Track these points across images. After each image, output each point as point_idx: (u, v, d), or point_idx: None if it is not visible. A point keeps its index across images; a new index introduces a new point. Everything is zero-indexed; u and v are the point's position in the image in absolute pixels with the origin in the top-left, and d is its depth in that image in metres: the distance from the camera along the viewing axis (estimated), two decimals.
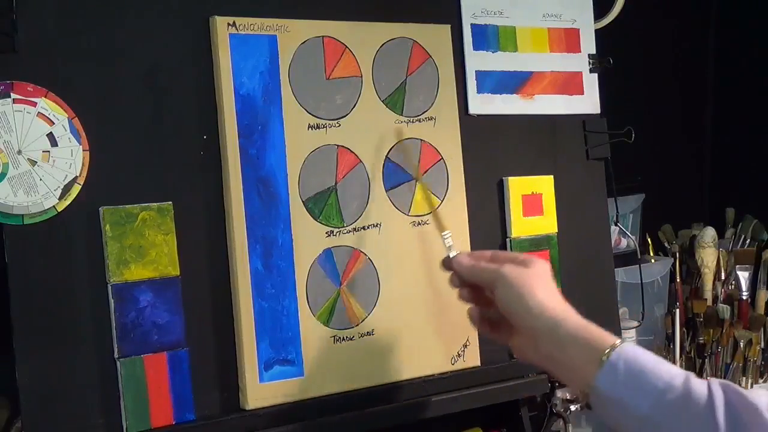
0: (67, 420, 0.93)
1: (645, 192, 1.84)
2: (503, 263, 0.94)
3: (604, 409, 0.86)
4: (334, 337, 1.07)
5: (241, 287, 1.01)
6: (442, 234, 1.03)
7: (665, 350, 1.68)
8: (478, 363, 1.17)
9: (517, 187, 1.23)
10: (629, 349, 0.85)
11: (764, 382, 1.71)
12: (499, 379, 1.18)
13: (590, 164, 1.31)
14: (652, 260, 1.77)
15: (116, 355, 0.95)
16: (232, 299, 1.02)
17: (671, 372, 0.84)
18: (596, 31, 1.32)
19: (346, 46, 1.10)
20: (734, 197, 2.04)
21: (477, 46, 1.21)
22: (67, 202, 0.94)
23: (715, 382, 0.83)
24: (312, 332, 1.06)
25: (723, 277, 1.76)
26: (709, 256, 1.74)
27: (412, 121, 1.14)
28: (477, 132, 1.20)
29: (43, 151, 0.92)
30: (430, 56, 1.16)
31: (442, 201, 1.16)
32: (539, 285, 0.91)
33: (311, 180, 1.07)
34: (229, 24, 1.02)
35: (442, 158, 1.16)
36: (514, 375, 1.20)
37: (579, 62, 1.30)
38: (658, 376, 0.83)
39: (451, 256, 1.00)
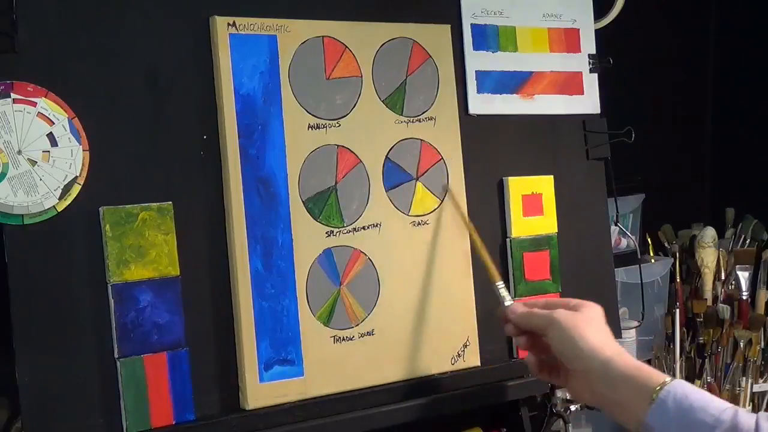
0: (67, 420, 0.93)
1: (645, 192, 1.84)
2: (556, 309, 0.99)
3: None
4: (334, 337, 1.07)
5: (241, 287, 1.01)
6: (496, 284, 1.08)
7: (665, 350, 1.68)
8: (478, 363, 1.17)
9: (517, 187, 1.23)
10: (679, 386, 0.88)
11: (764, 382, 1.71)
12: (499, 379, 1.18)
13: (590, 164, 1.31)
14: (652, 260, 1.77)
15: (116, 355, 0.95)
16: (232, 299, 1.02)
17: (720, 407, 0.86)
18: (596, 31, 1.32)
19: (346, 46, 1.10)
20: (734, 197, 2.04)
21: (477, 46, 1.21)
22: (67, 202, 0.94)
23: (764, 417, 0.85)
24: (312, 332, 1.06)
25: (723, 277, 1.76)
26: (709, 256, 1.74)
27: (412, 121, 1.14)
28: (477, 132, 1.20)
29: (43, 151, 0.92)
30: (430, 56, 1.16)
31: (442, 201, 1.16)
32: (590, 328, 0.96)
33: (311, 180, 1.07)
34: (229, 24, 1.02)
35: (442, 158, 1.16)
36: (514, 375, 1.20)
37: (579, 62, 1.30)
38: (707, 411, 0.86)
39: (505, 305, 1.05)
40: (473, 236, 1.14)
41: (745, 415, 0.85)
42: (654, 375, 0.91)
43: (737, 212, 1.96)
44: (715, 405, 0.86)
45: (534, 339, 1.02)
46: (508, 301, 1.06)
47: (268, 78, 1.04)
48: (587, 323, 0.96)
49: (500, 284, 1.08)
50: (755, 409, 1.71)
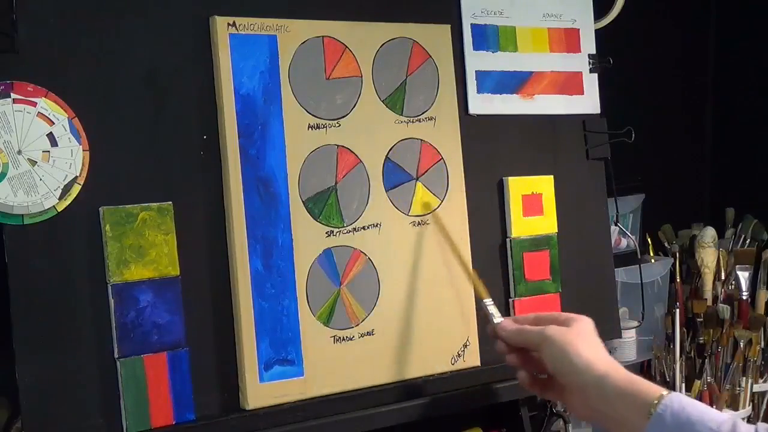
0: (67, 420, 0.93)
1: (645, 192, 1.84)
2: (547, 325, 0.98)
3: None
4: (334, 337, 1.07)
5: (241, 287, 1.01)
6: (484, 301, 1.08)
7: (665, 350, 1.68)
8: (478, 363, 1.17)
9: (517, 187, 1.23)
10: (676, 399, 0.88)
11: (764, 382, 1.71)
12: (499, 379, 1.18)
13: (590, 164, 1.31)
14: (652, 260, 1.77)
15: (116, 355, 0.95)
16: (232, 299, 1.02)
17: (718, 419, 0.85)
18: (596, 31, 1.32)
19: (346, 46, 1.10)
20: (734, 197, 2.04)
21: (477, 46, 1.21)
22: (67, 202, 0.94)
23: (763, 428, 0.84)
24: (312, 332, 1.06)
25: (723, 277, 1.76)
26: (709, 256, 1.74)
27: (412, 121, 1.14)
28: (477, 132, 1.20)
29: (43, 151, 0.92)
30: (430, 56, 1.16)
31: (442, 201, 1.16)
32: (583, 343, 0.96)
33: (311, 180, 1.07)
34: (229, 24, 1.02)
35: (442, 158, 1.16)
36: (514, 375, 1.20)
37: (579, 62, 1.30)
38: (706, 425, 0.85)
39: (495, 322, 1.05)
40: (458, 254, 1.14)
41: (743, 427, 0.84)
42: (650, 389, 0.90)
43: (737, 212, 1.96)
44: (713, 417, 0.86)
45: (525, 355, 1.02)
46: (497, 318, 1.05)
47: (268, 78, 1.04)
48: (580, 338, 0.96)
49: (489, 301, 1.08)
50: (755, 410, 1.71)
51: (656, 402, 0.87)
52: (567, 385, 0.97)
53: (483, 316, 1.10)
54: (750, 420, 1.67)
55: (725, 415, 0.87)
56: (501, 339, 1.03)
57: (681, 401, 0.87)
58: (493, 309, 1.07)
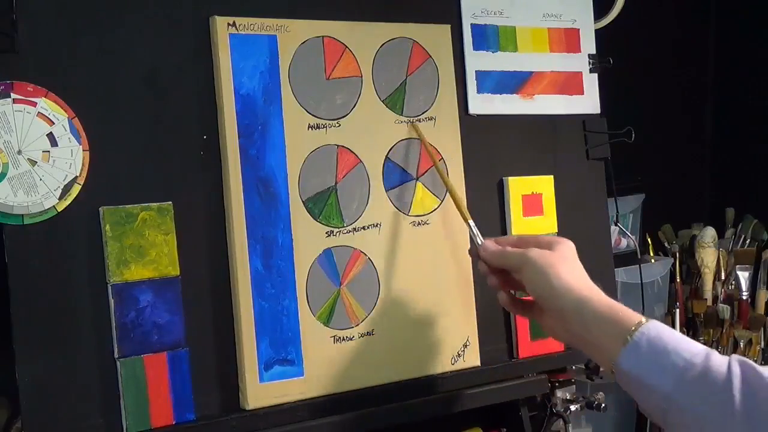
0: (67, 420, 0.93)
1: (645, 192, 1.85)
2: (529, 247, 0.96)
3: (628, 387, 0.88)
4: (334, 337, 1.07)
5: (241, 287, 1.01)
6: (468, 222, 1.06)
7: None
8: (478, 363, 1.17)
9: (517, 187, 1.23)
10: (653, 327, 0.87)
11: None
12: (499, 379, 1.18)
13: (590, 164, 1.31)
14: (652, 260, 1.77)
15: (116, 355, 0.95)
16: (232, 299, 1.02)
17: (693, 350, 0.85)
18: (596, 31, 1.32)
19: (346, 46, 1.10)
20: (734, 197, 2.04)
21: (477, 46, 1.21)
22: (67, 202, 0.94)
23: (735, 360, 0.84)
24: (312, 332, 1.06)
25: (723, 277, 1.77)
26: (709, 256, 1.74)
27: (412, 121, 1.14)
28: (477, 132, 1.20)
29: (43, 151, 0.92)
30: (430, 56, 1.16)
31: (442, 201, 1.16)
32: (564, 266, 0.94)
33: (311, 180, 1.07)
34: (229, 24, 1.02)
35: (442, 158, 1.16)
36: (514, 375, 1.20)
37: (579, 62, 1.30)
38: (680, 354, 0.84)
39: (478, 243, 1.03)
40: (441, 176, 1.13)
41: (717, 358, 0.84)
42: (629, 315, 0.89)
43: (737, 212, 1.96)
44: (689, 347, 0.85)
45: (506, 276, 1.00)
46: (480, 240, 1.04)
47: (268, 78, 1.04)
48: (562, 261, 0.94)
49: (472, 223, 1.06)
50: None
51: (634, 329, 0.87)
52: (546, 308, 0.95)
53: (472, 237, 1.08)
54: None
55: (701, 346, 0.86)
56: (482, 260, 1.02)
57: (658, 329, 0.87)
58: (475, 230, 1.05)
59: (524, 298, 1.02)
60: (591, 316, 0.90)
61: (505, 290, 1.01)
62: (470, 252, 1.06)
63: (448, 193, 1.16)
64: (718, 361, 0.84)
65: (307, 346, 1.05)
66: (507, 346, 1.22)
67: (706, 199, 2.27)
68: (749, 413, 0.80)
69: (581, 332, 0.91)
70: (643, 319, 0.88)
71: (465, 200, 1.16)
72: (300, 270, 1.05)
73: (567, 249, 0.97)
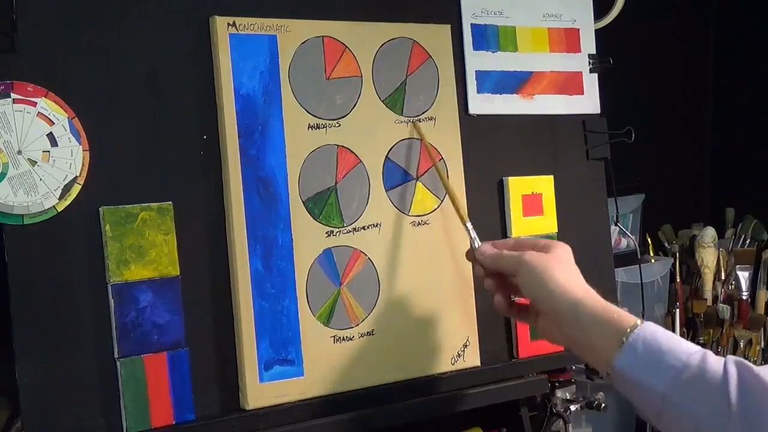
0: (67, 420, 0.93)
1: (645, 192, 1.85)
2: (525, 250, 0.97)
3: (625, 389, 0.88)
4: (334, 337, 1.07)
5: (241, 287, 1.01)
6: (466, 224, 1.06)
7: None
8: (478, 363, 1.17)
9: (517, 187, 1.23)
10: (648, 329, 0.87)
11: None
12: (499, 379, 1.18)
13: (590, 164, 1.31)
14: (652, 260, 1.77)
15: (116, 355, 0.95)
16: (232, 299, 1.02)
17: (688, 350, 0.85)
18: (596, 31, 1.32)
19: (346, 46, 1.10)
20: (734, 197, 2.04)
21: (477, 46, 1.21)
22: (67, 202, 0.94)
23: (731, 360, 0.84)
24: (312, 332, 1.06)
25: (723, 277, 1.77)
26: (709, 256, 1.74)
27: (412, 121, 1.14)
28: (477, 132, 1.20)
29: (43, 151, 0.92)
30: (430, 56, 1.16)
31: (442, 201, 1.16)
32: (560, 269, 0.94)
33: (311, 180, 1.07)
34: (229, 24, 1.02)
35: (442, 158, 1.16)
36: (514, 375, 1.20)
37: (579, 62, 1.30)
38: (676, 355, 0.84)
39: (474, 246, 1.03)
40: (441, 177, 1.13)
41: (713, 359, 0.84)
42: (624, 318, 0.89)
43: (737, 212, 1.96)
44: (684, 348, 0.85)
45: (503, 280, 1.00)
46: (477, 243, 1.04)
47: (268, 78, 1.04)
48: (557, 264, 0.95)
49: (470, 225, 1.06)
50: None
51: (629, 331, 0.87)
52: (542, 310, 0.96)
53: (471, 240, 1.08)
54: None
55: (696, 347, 0.86)
56: (479, 263, 1.02)
57: (653, 330, 0.87)
58: (473, 233, 1.05)
59: (520, 300, 1.02)
60: (586, 318, 0.91)
61: (501, 294, 1.02)
62: (467, 255, 1.06)
63: (448, 195, 1.16)
64: (714, 361, 0.84)
65: (307, 346, 1.05)
66: (507, 346, 1.22)
67: (706, 199, 2.27)
68: (745, 413, 0.80)
69: (576, 334, 0.92)
70: (638, 321, 0.88)
71: (464, 202, 1.16)
72: (300, 270, 1.05)
73: (562, 252, 0.97)
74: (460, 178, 1.18)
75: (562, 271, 0.94)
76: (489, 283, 1.02)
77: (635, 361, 0.86)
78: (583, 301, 0.91)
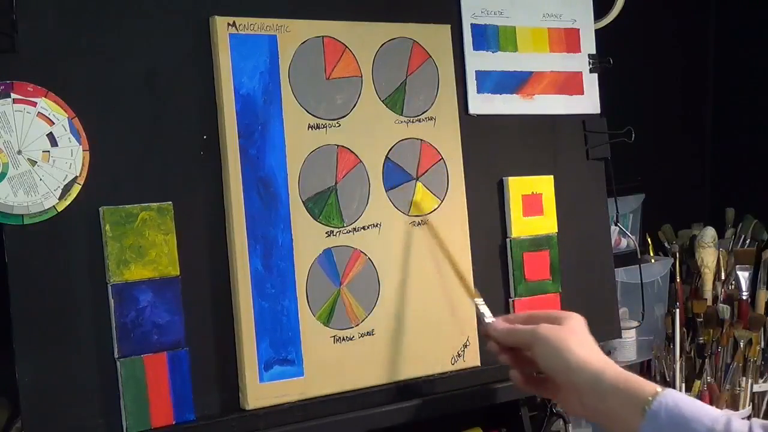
0: (67, 420, 0.93)
1: (645, 192, 1.84)
2: (538, 323, 0.97)
3: None
4: (334, 337, 1.07)
5: (241, 287, 1.01)
6: (475, 301, 1.07)
7: (665, 350, 1.68)
8: (478, 363, 1.17)
9: (517, 187, 1.23)
10: (670, 396, 0.87)
11: (764, 382, 1.71)
12: (499, 379, 1.18)
13: (590, 164, 1.31)
14: (652, 260, 1.77)
15: (116, 355, 0.95)
16: (232, 299, 1.02)
17: (712, 416, 0.85)
18: (596, 31, 1.32)
19: (346, 46, 1.10)
20: (734, 197, 2.04)
21: (477, 46, 1.21)
22: (67, 202, 0.94)
23: (757, 424, 0.84)
24: (312, 332, 1.06)
25: (723, 277, 1.76)
26: (709, 256, 1.74)
27: (412, 121, 1.14)
28: (477, 132, 1.21)
29: (43, 151, 0.92)
30: (430, 56, 1.16)
31: (442, 201, 1.16)
32: (576, 341, 0.95)
33: (311, 180, 1.07)
34: (229, 24, 1.02)
35: (442, 158, 1.16)
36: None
37: (579, 62, 1.30)
38: (700, 421, 0.85)
39: (486, 322, 1.04)
40: (449, 258, 1.13)
41: (738, 422, 0.84)
42: (645, 386, 0.89)
43: (737, 212, 1.96)
44: (708, 414, 0.85)
45: (518, 354, 1.01)
46: (488, 318, 1.05)
47: (268, 78, 1.04)
48: (573, 336, 0.95)
49: (480, 301, 1.07)
50: (755, 410, 1.71)
51: (651, 399, 0.87)
52: (561, 383, 0.96)
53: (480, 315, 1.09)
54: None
55: (720, 411, 0.86)
56: (492, 339, 1.03)
57: (675, 398, 0.87)
58: (484, 309, 1.06)
59: (535, 374, 1.02)
60: (608, 389, 0.90)
61: (517, 368, 1.02)
62: (480, 331, 1.06)
63: (448, 195, 1.16)
64: (740, 426, 0.84)
65: (307, 346, 1.05)
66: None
67: (706, 199, 2.27)
68: None
69: (598, 405, 0.92)
70: (659, 389, 0.88)
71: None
72: (300, 270, 1.05)
73: (576, 323, 0.98)
74: (460, 178, 1.18)
75: (579, 343, 0.95)
76: (505, 357, 1.02)
77: (660, 429, 0.86)
78: (603, 373, 0.91)
